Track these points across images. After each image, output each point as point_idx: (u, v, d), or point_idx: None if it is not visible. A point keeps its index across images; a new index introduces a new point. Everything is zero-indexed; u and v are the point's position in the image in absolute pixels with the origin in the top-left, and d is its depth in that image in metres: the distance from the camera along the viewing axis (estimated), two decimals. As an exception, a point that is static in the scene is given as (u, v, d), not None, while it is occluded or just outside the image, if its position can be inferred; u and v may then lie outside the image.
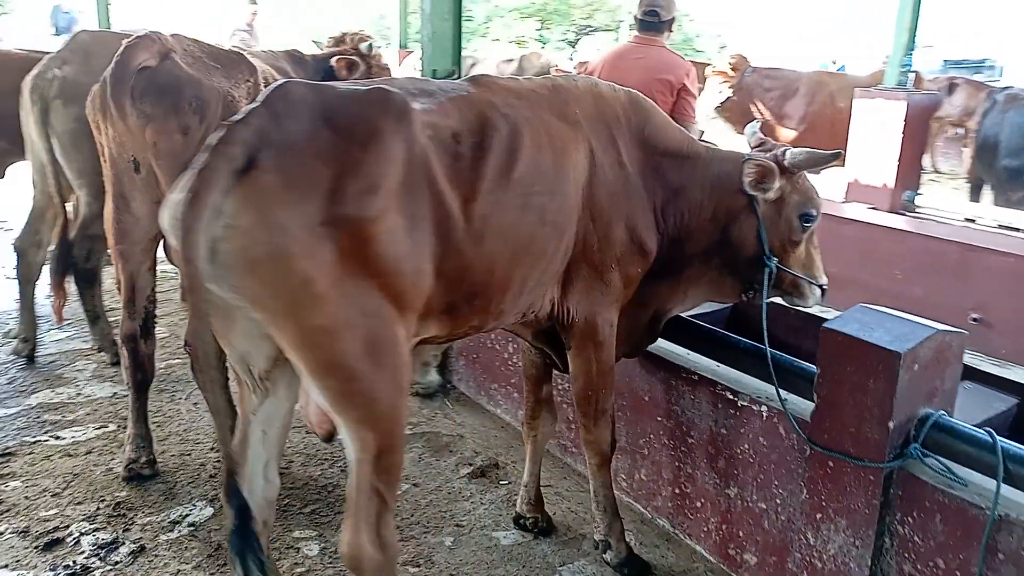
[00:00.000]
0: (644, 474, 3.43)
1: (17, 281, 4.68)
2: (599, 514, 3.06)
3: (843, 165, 6.91)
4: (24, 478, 3.50)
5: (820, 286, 2.95)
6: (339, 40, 4.84)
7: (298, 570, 3.01)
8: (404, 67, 10.90)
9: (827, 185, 6.97)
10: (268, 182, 1.86)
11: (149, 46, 3.06)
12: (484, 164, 2.27)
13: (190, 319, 1.97)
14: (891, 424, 2.44)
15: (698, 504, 3.20)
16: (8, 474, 3.52)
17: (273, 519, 2.55)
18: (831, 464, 2.63)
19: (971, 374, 3.31)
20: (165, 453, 3.77)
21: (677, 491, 3.29)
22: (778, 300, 3.07)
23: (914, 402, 2.49)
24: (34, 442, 3.80)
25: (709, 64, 9.18)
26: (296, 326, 1.95)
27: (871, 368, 2.47)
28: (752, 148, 2.99)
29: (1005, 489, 2.28)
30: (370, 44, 4.79)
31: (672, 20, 4.79)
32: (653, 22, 4.73)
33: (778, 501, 2.89)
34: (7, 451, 3.71)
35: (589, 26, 28.21)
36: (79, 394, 4.33)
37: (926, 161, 13.02)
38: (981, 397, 3.14)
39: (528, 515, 3.27)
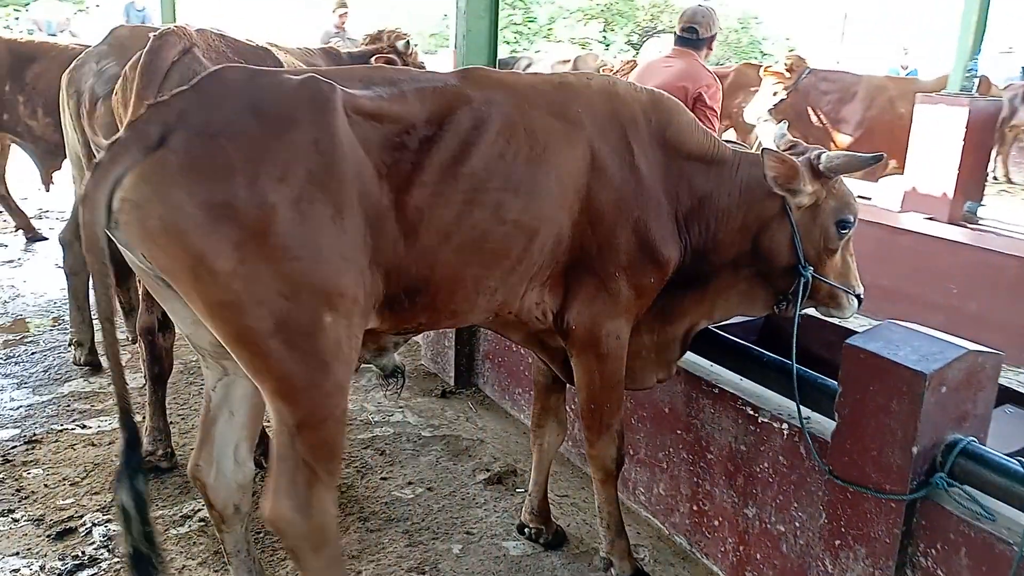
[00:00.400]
0: (663, 488, 3.31)
1: (65, 274, 4.75)
2: (603, 530, 2.95)
3: (901, 172, 6.65)
4: (46, 466, 3.55)
5: (857, 296, 2.80)
6: (375, 38, 4.83)
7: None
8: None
9: (883, 194, 6.72)
10: (170, 161, 1.90)
11: (175, 42, 3.07)
12: (428, 156, 2.20)
13: (93, 280, 2.04)
14: (915, 449, 2.30)
15: (716, 523, 3.07)
16: (32, 461, 3.58)
17: (248, 506, 2.54)
18: (851, 488, 2.49)
19: (1016, 398, 3.12)
20: (187, 446, 3.78)
21: (695, 508, 3.16)
22: (811, 311, 2.93)
23: (941, 427, 2.34)
24: (61, 430, 3.86)
25: (765, 65, 8.92)
26: (201, 299, 2.00)
27: (895, 389, 2.33)
28: (783, 151, 2.85)
29: (1035, 524, 2.12)
30: (407, 42, 4.77)
31: (712, 38, 4.76)
32: (691, 38, 4.74)
33: (797, 524, 2.74)
34: (34, 438, 3.77)
35: (653, 28, 27.85)
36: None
37: (999, 171, 12.54)
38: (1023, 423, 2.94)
39: (531, 524, 3.18)
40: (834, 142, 7.85)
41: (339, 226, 2.03)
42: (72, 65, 3.86)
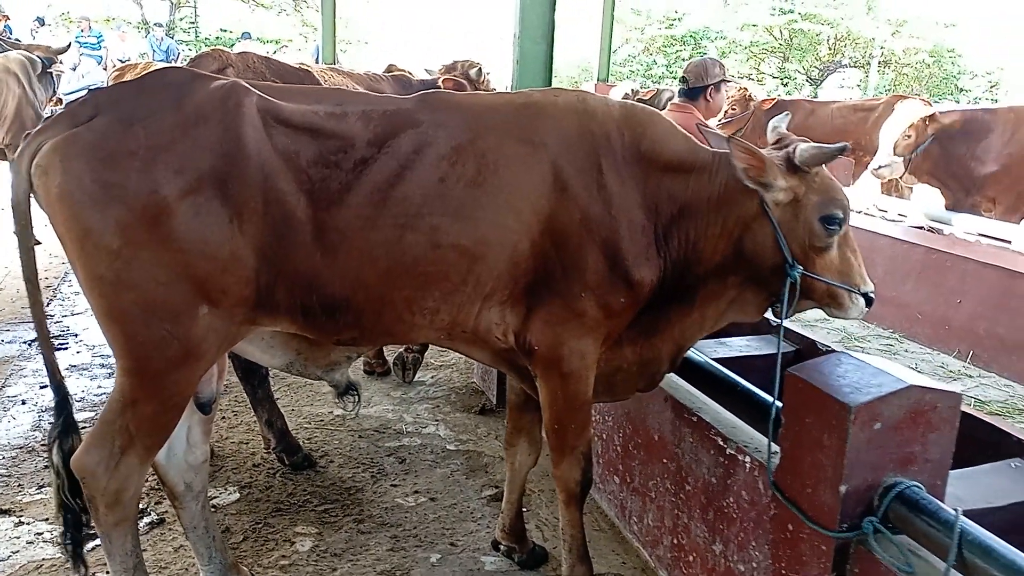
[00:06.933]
0: (651, 519, 3.20)
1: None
2: (565, 553, 2.88)
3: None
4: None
5: (864, 295, 2.56)
6: (450, 67, 5.05)
7: (282, 562, 3.12)
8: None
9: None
10: (83, 138, 2.11)
11: (210, 63, 3.39)
12: (361, 179, 2.25)
13: (17, 241, 2.30)
14: (843, 488, 2.13)
15: (690, 558, 2.93)
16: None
17: (200, 485, 2.73)
18: (790, 527, 2.33)
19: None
20: (227, 439, 4.08)
21: (675, 541, 3.03)
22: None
23: (877, 467, 2.14)
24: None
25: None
26: (82, 271, 2.17)
27: (826, 422, 2.17)
28: (770, 144, 2.69)
29: (958, 578, 1.90)
30: (479, 70, 4.96)
31: (707, 88, 4.62)
32: (685, 89, 4.70)
33: (754, 564, 2.58)
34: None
35: (836, 63, 26.73)
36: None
37: None
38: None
39: (504, 542, 3.17)
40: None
41: (234, 226, 2.15)
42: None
